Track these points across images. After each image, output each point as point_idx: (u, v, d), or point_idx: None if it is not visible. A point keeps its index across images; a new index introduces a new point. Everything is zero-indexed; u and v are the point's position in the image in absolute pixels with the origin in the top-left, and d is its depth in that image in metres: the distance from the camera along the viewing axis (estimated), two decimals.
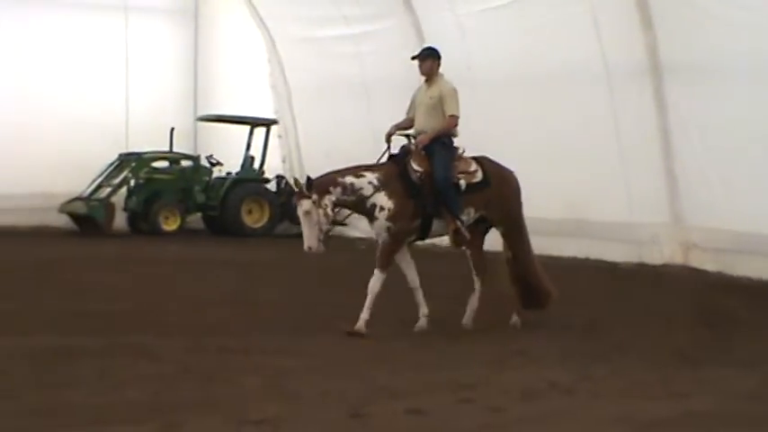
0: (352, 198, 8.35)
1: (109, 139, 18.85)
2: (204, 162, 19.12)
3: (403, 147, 8.70)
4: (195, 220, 19.11)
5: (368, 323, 8.13)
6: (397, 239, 8.34)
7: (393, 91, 12.87)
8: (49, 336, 7.76)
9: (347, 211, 8.88)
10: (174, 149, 19.08)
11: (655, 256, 12.71)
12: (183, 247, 16.12)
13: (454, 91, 8.63)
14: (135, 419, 5.38)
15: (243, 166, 19.14)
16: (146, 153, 18.62)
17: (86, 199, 17.99)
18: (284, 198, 18.62)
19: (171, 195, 18.60)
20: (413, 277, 8.52)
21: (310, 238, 8.08)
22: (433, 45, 9.24)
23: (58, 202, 18.00)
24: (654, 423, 5.59)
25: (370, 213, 8.37)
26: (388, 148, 8.65)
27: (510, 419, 5.58)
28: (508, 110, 14.33)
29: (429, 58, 8.76)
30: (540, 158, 13.50)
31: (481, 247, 8.87)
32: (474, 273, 8.77)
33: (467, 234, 8.45)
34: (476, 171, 8.62)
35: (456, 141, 8.74)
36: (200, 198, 18.84)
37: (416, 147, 8.55)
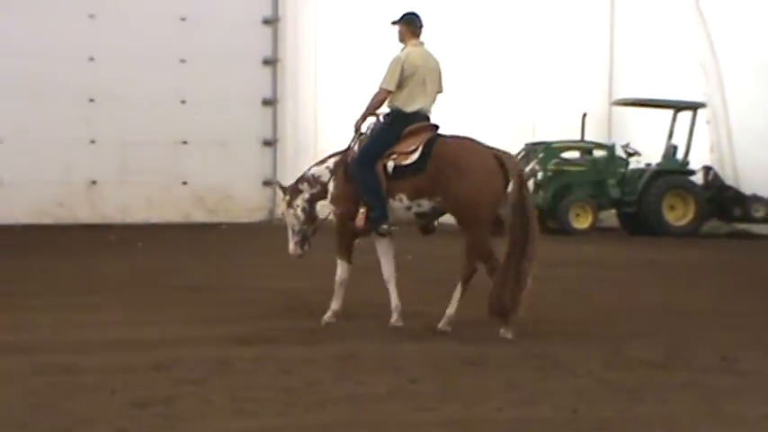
0: (318, 188, 8.87)
1: (513, 127, 19.23)
2: (620, 152, 18.97)
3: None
4: (609, 216, 19.01)
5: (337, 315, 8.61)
6: (341, 223, 8.68)
7: None
8: (451, 343, 8.00)
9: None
10: (586, 138, 19.09)
11: None
12: (597, 248, 16.13)
13: (392, 61, 8.68)
14: None
15: (664, 155, 18.79)
16: (554, 142, 18.77)
17: None
18: (712, 192, 18.01)
19: (582, 189, 18.63)
20: (387, 268, 8.69)
21: (289, 242, 8.89)
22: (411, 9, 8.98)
23: None
24: None
25: None
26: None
27: None
28: None
29: (399, 23, 8.86)
30: None
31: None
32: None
33: (384, 226, 8.45)
34: (412, 152, 8.41)
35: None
36: (615, 192, 18.72)
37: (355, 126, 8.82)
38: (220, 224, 19.10)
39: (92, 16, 18.75)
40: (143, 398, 6.04)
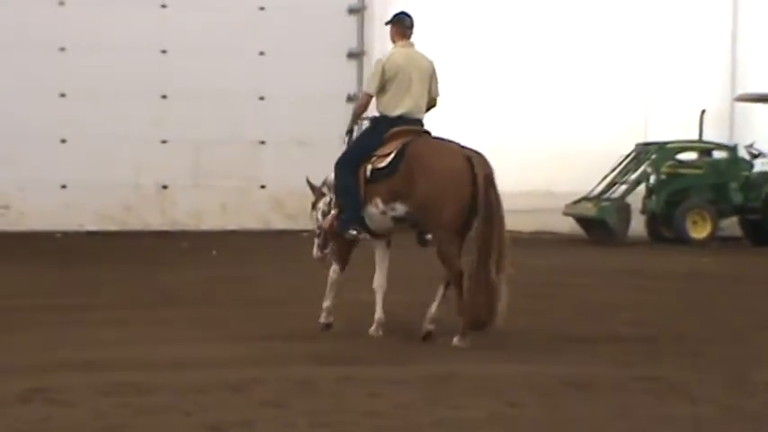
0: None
1: (623, 126, 19.10)
2: (743, 153, 18.73)
3: None
4: (731, 225, 18.77)
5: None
6: (332, 230, 9.18)
7: None
8: (555, 364, 7.97)
9: None
10: (705, 137, 18.88)
11: None
12: (716, 259, 15.96)
13: (374, 63, 9.30)
14: None
15: None
16: (669, 142, 18.62)
17: (596, 199, 18.36)
18: None
19: (700, 195, 18.45)
20: (378, 276, 9.03)
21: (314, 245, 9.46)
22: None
23: (561, 203, 18.52)
24: None
25: None
26: None
27: None
28: None
29: (390, 23, 9.35)
30: None
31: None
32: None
33: (351, 231, 8.85)
34: (388, 154, 8.80)
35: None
36: (738, 198, 18.49)
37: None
38: (301, 231, 19.22)
39: (164, 6, 19.02)
40: (219, 421, 6.10)
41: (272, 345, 8.51)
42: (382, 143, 8.94)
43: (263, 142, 19.61)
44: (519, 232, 18.08)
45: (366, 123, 9.40)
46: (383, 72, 9.05)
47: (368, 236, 9.06)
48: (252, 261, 15.13)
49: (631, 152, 18.73)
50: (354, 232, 8.95)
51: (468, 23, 18.89)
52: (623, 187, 18.45)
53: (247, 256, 16.04)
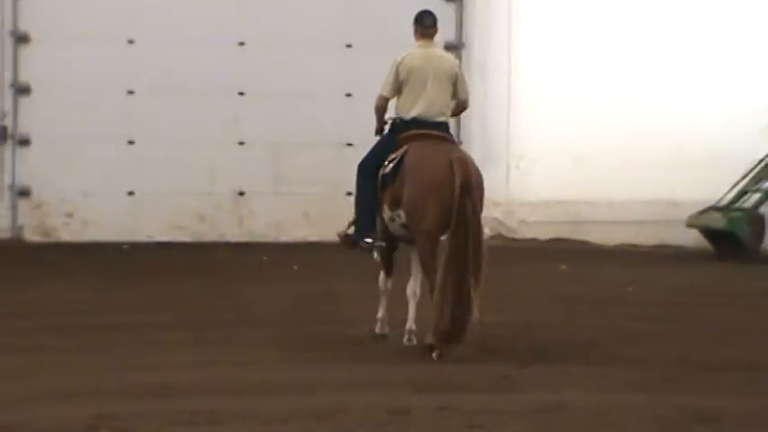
0: None
1: (756, 128, 18.81)
2: None
3: None
4: None
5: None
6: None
7: None
8: (677, 394, 7.89)
9: None
10: None
11: None
12: None
13: (391, 65, 9.90)
14: None
15: None
16: None
17: (725, 209, 18.12)
18: None
19: None
20: (411, 285, 9.53)
21: None
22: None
23: (685, 213, 18.31)
24: None
25: None
26: None
27: None
28: None
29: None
30: None
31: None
32: None
33: (367, 240, 9.53)
34: (393, 159, 9.45)
35: None
36: None
37: None
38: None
39: None
40: None
41: (360, 368, 8.54)
42: (396, 147, 9.56)
43: (350, 144, 19.60)
44: (636, 246, 18.02)
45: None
46: (397, 73, 9.77)
47: (383, 243, 9.66)
48: (337, 276, 15.15)
49: (765, 156, 18.46)
50: (370, 240, 9.60)
51: (585, 18, 18.79)
52: (756, 196, 18.15)
53: (332, 270, 16.06)
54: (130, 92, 18.67)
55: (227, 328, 10.45)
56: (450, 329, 8.81)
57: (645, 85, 19.03)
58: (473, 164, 9.28)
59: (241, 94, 19.06)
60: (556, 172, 18.05)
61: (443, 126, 9.71)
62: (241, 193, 19.36)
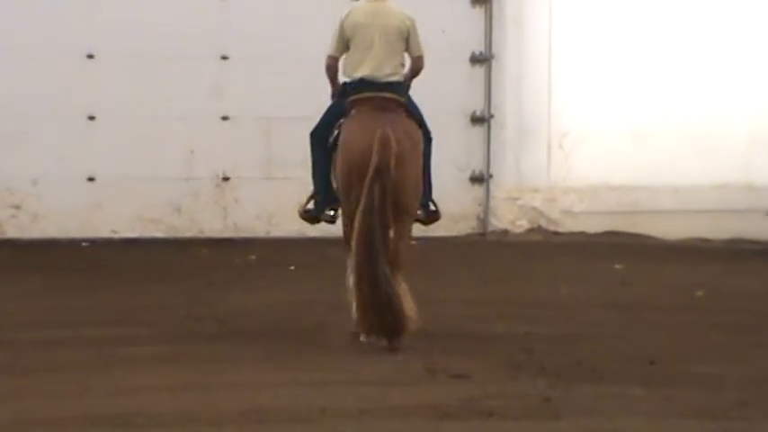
0: None
1: None
2: None
3: None
4: None
5: None
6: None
7: None
8: (752, 422, 7.96)
9: None
10: None
11: None
12: None
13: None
14: None
15: None
16: None
17: None
18: None
19: None
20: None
21: None
22: None
23: (765, 201, 18.30)
24: None
25: None
26: None
27: None
28: None
29: None
30: None
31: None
32: None
33: (329, 212, 10.58)
34: (340, 125, 10.30)
35: None
36: None
37: None
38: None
39: None
40: None
41: (372, 393, 8.55)
42: (346, 111, 10.31)
43: None
44: (706, 240, 18.01)
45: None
46: (342, 30, 10.34)
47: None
48: (341, 279, 15.15)
49: None
50: (332, 213, 10.61)
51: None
52: None
53: (335, 271, 16.04)
54: (90, 56, 18.52)
55: (209, 344, 10.47)
56: (395, 322, 9.80)
57: (718, 48, 18.99)
58: (404, 141, 9.88)
59: (224, 58, 18.98)
60: (608, 152, 18.01)
61: (394, 86, 10.23)
62: (225, 179, 19.26)
